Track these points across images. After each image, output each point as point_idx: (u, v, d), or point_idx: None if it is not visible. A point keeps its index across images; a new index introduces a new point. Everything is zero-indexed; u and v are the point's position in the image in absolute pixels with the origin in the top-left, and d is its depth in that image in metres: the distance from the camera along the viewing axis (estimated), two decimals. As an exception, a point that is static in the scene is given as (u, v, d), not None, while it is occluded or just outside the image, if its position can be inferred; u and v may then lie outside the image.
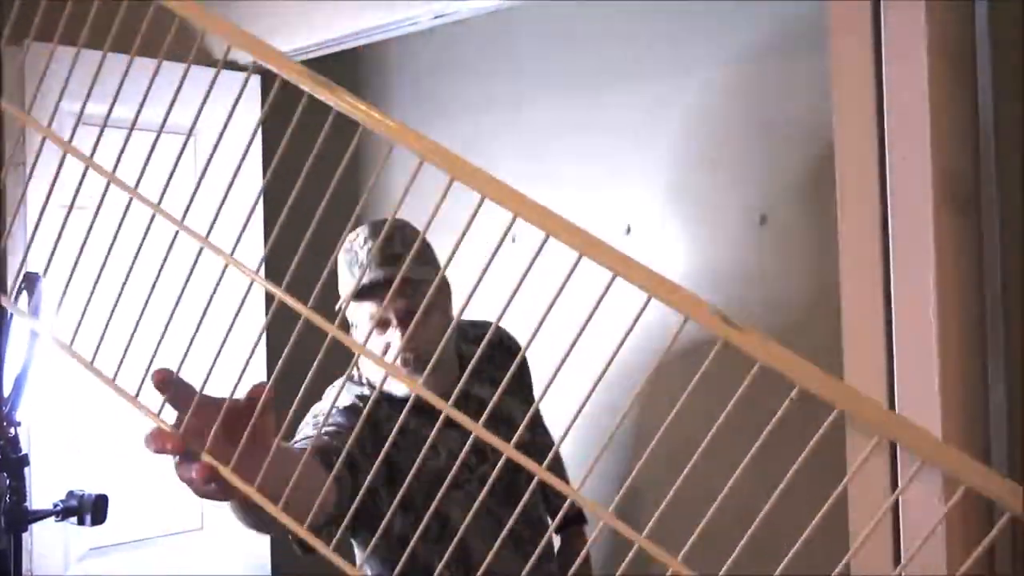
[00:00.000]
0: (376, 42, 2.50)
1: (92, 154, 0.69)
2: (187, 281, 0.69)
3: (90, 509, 1.69)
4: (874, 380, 1.18)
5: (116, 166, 0.68)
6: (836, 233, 1.22)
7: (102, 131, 0.70)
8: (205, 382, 0.72)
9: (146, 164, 0.68)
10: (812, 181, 2.24)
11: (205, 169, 0.67)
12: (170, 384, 0.71)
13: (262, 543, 2.68)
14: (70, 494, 1.73)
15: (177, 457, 0.72)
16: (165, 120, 0.67)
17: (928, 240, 1.14)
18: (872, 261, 1.18)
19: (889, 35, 1.18)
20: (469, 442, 0.66)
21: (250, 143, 0.63)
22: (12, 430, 1.55)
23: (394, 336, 1.59)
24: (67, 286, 0.73)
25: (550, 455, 0.72)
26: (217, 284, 0.68)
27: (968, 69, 1.18)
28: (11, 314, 1.68)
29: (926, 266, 1.14)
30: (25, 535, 1.63)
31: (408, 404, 0.69)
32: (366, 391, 1.64)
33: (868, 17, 1.19)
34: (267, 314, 0.69)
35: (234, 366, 0.65)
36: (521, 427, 0.65)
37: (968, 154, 1.18)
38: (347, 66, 3.04)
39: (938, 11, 1.16)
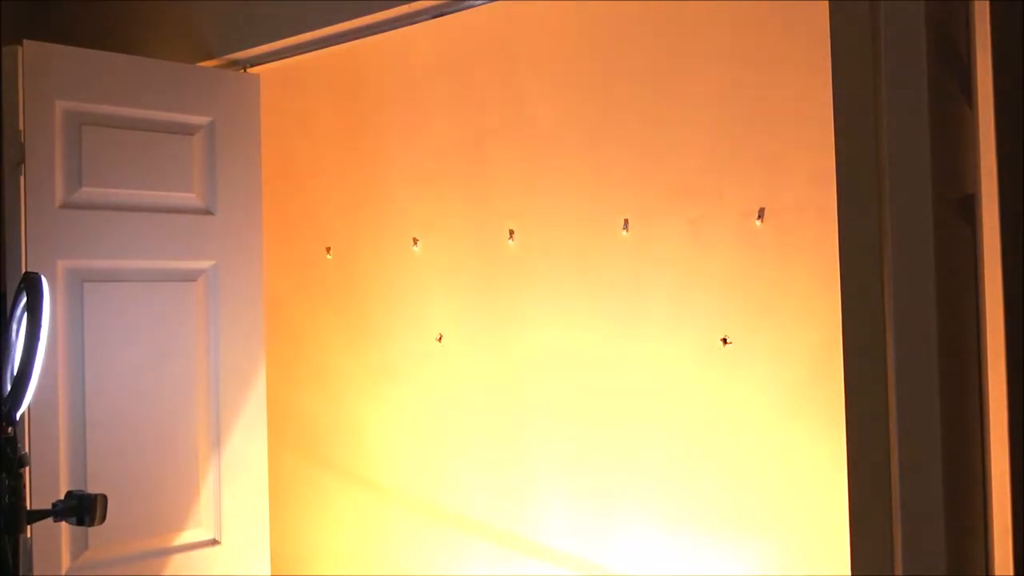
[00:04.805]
0: (373, 38, 2.49)
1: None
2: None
3: (90, 509, 1.68)
4: (874, 380, 1.18)
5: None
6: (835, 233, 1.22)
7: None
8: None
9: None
10: (812, 180, 2.24)
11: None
12: None
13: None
14: (70, 494, 1.73)
15: None
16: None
17: (928, 240, 1.14)
18: (872, 260, 1.18)
19: (889, 35, 1.17)
20: None
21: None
22: (11, 430, 1.54)
23: None
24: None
25: None
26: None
27: (967, 68, 1.18)
28: (12, 313, 1.68)
29: (926, 266, 1.14)
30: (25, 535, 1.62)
31: None
32: None
33: (868, 17, 1.19)
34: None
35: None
36: None
37: (968, 154, 1.18)
38: (346, 63, 3.03)
39: (938, 11, 1.16)
